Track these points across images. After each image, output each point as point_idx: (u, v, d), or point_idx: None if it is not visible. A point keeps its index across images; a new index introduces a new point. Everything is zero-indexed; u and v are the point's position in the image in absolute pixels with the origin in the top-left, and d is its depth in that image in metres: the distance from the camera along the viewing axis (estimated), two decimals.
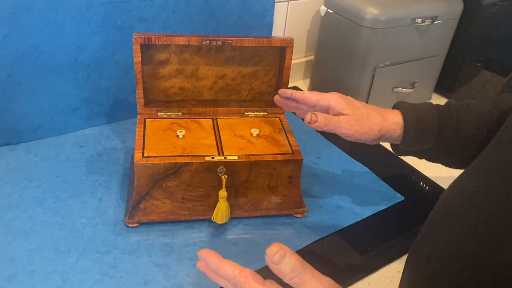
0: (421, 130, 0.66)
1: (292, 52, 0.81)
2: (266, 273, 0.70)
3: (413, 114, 0.67)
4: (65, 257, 0.69)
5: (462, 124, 0.65)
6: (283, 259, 0.39)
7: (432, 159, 0.71)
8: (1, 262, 0.67)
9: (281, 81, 0.84)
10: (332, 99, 0.68)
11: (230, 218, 0.75)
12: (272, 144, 0.77)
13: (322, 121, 0.64)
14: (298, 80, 1.37)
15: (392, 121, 0.68)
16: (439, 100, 1.30)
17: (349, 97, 0.70)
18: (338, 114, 0.67)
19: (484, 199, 0.43)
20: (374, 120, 0.67)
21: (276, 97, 0.76)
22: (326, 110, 0.69)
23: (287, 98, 0.74)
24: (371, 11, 1.07)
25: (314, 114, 0.64)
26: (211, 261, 0.44)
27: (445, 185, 0.89)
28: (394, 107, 0.72)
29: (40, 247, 0.70)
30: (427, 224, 0.51)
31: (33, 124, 0.92)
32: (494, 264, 0.38)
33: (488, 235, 0.40)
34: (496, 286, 0.38)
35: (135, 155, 0.71)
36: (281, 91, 0.75)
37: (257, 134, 0.79)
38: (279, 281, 0.41)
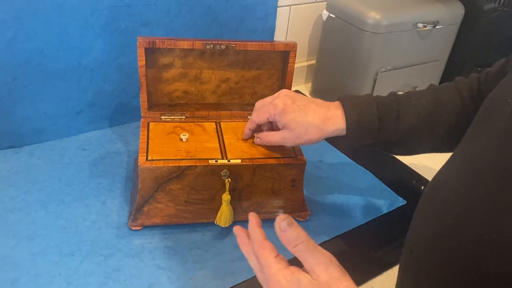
0: (363, 128, 0.68)
1: (295, 56, 0.81)
2: None
3: (354, 110, 0.68)
4: (69, 260, 0.69)
5: (402, 118, 0.67)
6: (290, 226, 0.43)
7: (376, 148, 0.73)
8: (5, 265, 0.67)
9: (284, 85, 0.85)
10: (275, 113, 0.70)
11: (234, 221, 0.76)
12: (275, 147, 0.77)
13: (265, 142, 0.75)
14: (300, 84, 1.37)
15: (333, 127, 0.69)
16: None
17: (293, 103, 0.70)
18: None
19: (454, 190, 0.47)
20: (312, 133, 0.69)
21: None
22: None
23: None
24: (373, 16, 1.07)
25: (259, 138, 0.76)
26: (251, 222, 0.50)
27: None
28: (338, 100, 0.72)
29: (44, 250, 0.70)
30: (413, 218, 0.55)
31: (36, 127, 0.92)
32: (465, 251, 0.43)
33: (457, 225, 0.44)
34: (466, 271, 0.42)
35: (139, 158, 0.71)
36: (244, 136, 0.79)
37: None
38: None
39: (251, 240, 0.48)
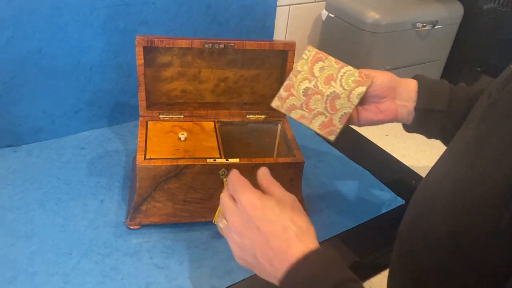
0: (434, 91, 0.68)
1: (294, 55, 0.81)
2: None
3: (426, 79, 0.70)
4: (67, 259, 0.69)
5: (470, 98, 0.68)
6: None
7: (443, 133, 0.72)
8: (2, 264, 0.67)
9: (282, 84, 0.84)
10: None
11: None
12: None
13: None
14: None
15: (404, 89, 0.69)
16: None
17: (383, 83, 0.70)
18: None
19: (434, 181, 0.50)
20: (386, 76, 0.70)
21: None
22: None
23: None
24: (372, 16, 1.07)
25: None
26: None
27: None
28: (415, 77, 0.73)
29: (42, 249, 0.70)
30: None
31: (35, 126, 0.92)
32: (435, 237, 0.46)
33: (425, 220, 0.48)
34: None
35: (137, 157, 0.71)
36: None
37: None
38: None
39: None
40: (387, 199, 0.88)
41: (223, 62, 0.83)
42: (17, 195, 0.80)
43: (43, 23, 0.83)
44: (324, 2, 1.23)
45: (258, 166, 0.74)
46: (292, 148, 0.78)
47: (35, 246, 0.70)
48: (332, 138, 0.70)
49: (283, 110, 0.71)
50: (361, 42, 1.10)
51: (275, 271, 0.46)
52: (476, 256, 0.40)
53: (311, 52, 0.70)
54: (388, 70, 1.13)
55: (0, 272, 0.66)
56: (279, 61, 0.85)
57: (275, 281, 0.47)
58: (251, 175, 0.74)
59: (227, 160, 0.72)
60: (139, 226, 0.75)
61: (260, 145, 0.88)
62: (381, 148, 1.03)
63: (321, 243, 0.77)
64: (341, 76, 0.69)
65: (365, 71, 0.70)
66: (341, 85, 0.69)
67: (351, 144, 1.05)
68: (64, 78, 0.90)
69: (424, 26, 1.13)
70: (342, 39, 1.16)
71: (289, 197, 0.51)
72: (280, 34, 1.26)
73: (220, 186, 0.73)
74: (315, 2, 1.27)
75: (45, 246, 0.71)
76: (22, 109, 0.89)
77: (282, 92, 0.71)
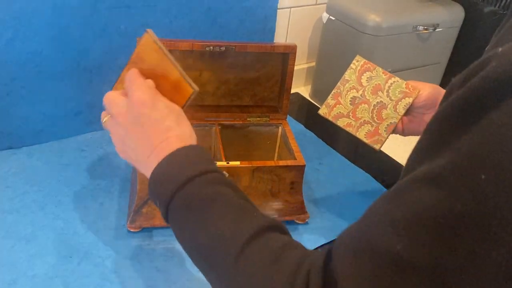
0: None
1: (295, 58, 0.81)
2: None
3: None
4: (66, 261, 0.69)
5: None
6: None
7: None
8: (2, 266, 0.67)
9: (283, 87, 0.85)
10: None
11: None
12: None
13: None
14: (300, 86, 1.37)
15: None
16: None
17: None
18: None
19: None
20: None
21: None
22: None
23: None
24: (373, 19, 1.07)
25: None
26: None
27: None
28: None
29: (41, 251, 0.70)
30: None
31: (35, 128, 0.92)
32: None
33: None
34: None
35: None
36: None
37: None
38: None
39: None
40: None
41: (224, 64, 0.83)
42: (17, 197, 0.80)
43: (44, 25, 0.83)
44: (325, 5, 1.23)
45: (259, 169, 0.74)
46: (293, 151, 0.78)
47: (35, 248, 0.70)
48: (377, 147, 0.72)
49: (330, 118, 0.74)
50: (362, 45, 1.10)
51: (151, 163, 0.48)
52: None
53: (359, 62, 0.73)
54: (389, 72, 1.13)
55: (0, 275, 0.65)
56: (280, 64, 0.85)
57: (149, 174, 0.49)
58: (251, 178, 0.74)
59: (228, 162, 0.72)
60: (140, 229, 0.75)
61: (261, 148, 0.88)
62: (382, 151, 1.03)
63: (322, 246, 0.77)
64: (389, 86, 0.71)
65: (412, 83, 0.72)
66: (388, 96, 0.71)
67: (352, 147, 1.04)
68: (64, 80, 0.90)
69: (425, 29, 1.13)
70: (343, 42, 1.16)
71: (177, 107, 0.52)
72: (281, 37, 1.26)
73: None
74: (315, 4, 1.27)
75: (45, 249, 0.70)
76: (22, 111, 0.89)
77: (329, 100, 0.73)
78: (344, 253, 0.37)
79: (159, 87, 0.53)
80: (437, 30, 1.15)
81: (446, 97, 0.37)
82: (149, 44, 0.53)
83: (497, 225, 0.29)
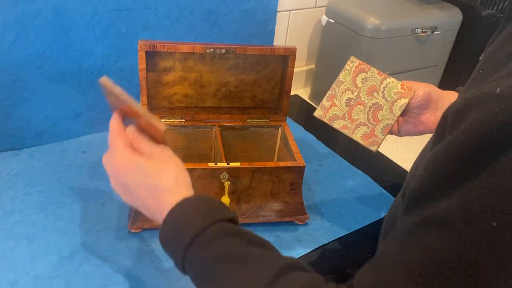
0: None
1: (294, 60, 0.82)
2: None
3: None
4: (68, 262, 0.69)
5: None
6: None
7: None
8: (4, 266, 0.67)
9: (283, 89, 0.85)
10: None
11: None
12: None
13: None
14: (299, 88, 1.38)
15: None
16: None
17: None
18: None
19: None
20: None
21: None
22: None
23: None
24: (372, 21, 1.08)
25: None
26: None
27: None
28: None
29: (43, 252, 0.70)
30: None
31: (36, 129, 0.92)
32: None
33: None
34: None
35: None
36: None
37: None
38: None
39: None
40: (386, 203, 0.88)
41: (224, 66, 0.84)
42: (19, 198, 0.80)
43: (46, 27, 0.83)
44: (324, 8, 1.24)
45: (259, 170, 0.74)
46: (292, 152, 0.78)
47: (37, 249, 0.71)
48: (374, 148, 0.71)
49: (325, 120, 0.72)
50: (361, 48, 1.11)
51: (158, 220, 0.49)
52: None
53: (353, 62, 0.72)
54: (388, 75, 1.14)
55: (2, 275, 0.66)
56: (280, 66, 0.86)
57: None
58: (252, 179, 0.75)
59: (228, 164, 0.73)
60: (141, 230, 0.75)
61: (260, 149, 0.89)
62: (381, 153, 1.04)
63: (321, 247, 0.77)
64: (384, 87, 0.70)
65: (407, 83, 0.71)
66: (383, 97, 0.70)
67: (351, 149, 1.05)
68: (66, 82, 0.91)
69: (423, 32, 1.14)
70: (342, 45, 1.17)
71: (156, 150, 0.51)
72: (280, 39, 1.27)
73: (221, 189, 0.74)
74: (315, 7, 1.28)
75: (47, 249, 0.71)
76: (24, 112, 0.89)
77: (324, 102, 0.72)
78: None
79: (140, 126, 0.53)
80: (435, 32, 1.16)
81: (442, 124, 0.37)
82: (110, 92, 0.52)
83: None
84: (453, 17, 1.19)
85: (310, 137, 1.06)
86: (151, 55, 0.79)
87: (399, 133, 0.74)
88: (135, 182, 0.49)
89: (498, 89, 0.32)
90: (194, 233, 0.43)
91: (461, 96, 0.39)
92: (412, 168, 0.54)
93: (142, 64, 0.77)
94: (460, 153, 0.33)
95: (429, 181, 0.36)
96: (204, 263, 0.43)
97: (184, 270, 0.46)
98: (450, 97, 0.71)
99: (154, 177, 0.49)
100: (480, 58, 0.50)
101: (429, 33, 1.15)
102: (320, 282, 0.40)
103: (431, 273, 0.33)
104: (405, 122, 0.73)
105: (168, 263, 0.70)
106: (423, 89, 0.70)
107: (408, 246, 0.36)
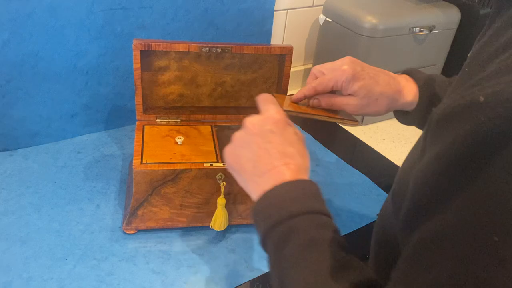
0: (432, 105, 0.66)
1: (291, 60, 0.81)
2: (265, 280, 0.69)
3: (427, 87, 0.67)
4: (62, 264, 0.68)
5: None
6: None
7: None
8: None
9: (280, 88, 0.85)
10: (343, 80, 0.64)
11: (229, 225, 0.75)
12: (334, 112, 0.72)
13: (325, 105, 0.67)
14: (297, 88, 1.37)
15: (404, 100, 0.67)
16: None
17: (363, 70, 0.65)
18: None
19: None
20: (382, 103, 0.65)
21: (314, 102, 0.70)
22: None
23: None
24: (370, 20, 1.07)
25: (317, 99, 0.67)
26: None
27: None
28: (404, 73, 0.70)
29: (37, 253, 0.70)
30: None
31: (31, 130, 0.92)
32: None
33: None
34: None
35: (134, 161, 0.71)
36: (294, 98, 0.71)
37: None
38: None
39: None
40: None
41: (220, 66, 0.83)
42: (13, 199, 0.79)
43: (40, 27, 0.83)
44: (322, 7, 1.23)
45: None
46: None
47: (30, 251, 0.70)
48: (355, 123, 0.68)
49: (293, 110, 0.68)
50: (358, 47, 1.10)
51: (264, 182, 0.48)
52: None
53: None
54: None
55: None
56: (276, 66, 0.85)
57: (254, 196, 0.49)
58: None
59: (224, 164, 0.72)
60: (136, 231, 0.75)
61: None
62: (378, 152, 1.03)
63: None
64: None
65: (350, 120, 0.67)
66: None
67: (348, 149, 1.04)
68: (61, 82, 0.90)
69: (421, 31, 1.13)
70: (339, 44, 1.16)
71: (303, 137, 0.54)
72: (277, 39, 1.26)
73: (217, 190, 0.73)
74: (312, 6, 1.27)
75: (41, 251, 0.70)
76: (18, 112, 0.89)
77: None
78: None
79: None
80: (433, 31, 1.15)
81: (427, 129, 0.36)
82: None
83: None
84: (451, 16, 1.19)
85: (307, 137, 1.06)
86: (146, 55, 0.78)
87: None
88: (275, 133, 0.50)
89: (482, 97, 0.31)
90: (305, 209, 0.44)
91: (446, 99, 0.38)
92: (402, 170, 0.52)
93: (137, 64, 0.76)
94: (448, 166, 0.32)
95: (421, 198, 0.35)
96: (296, 239, 0.43)
97: (265, 239, 0.46)
98: (409, 95, 0.67)
99: (294, 146, 0.51)
100: (468, 55, 0.49)
101: (427, 32, 1.14)
102: None
103: None
104: (360, 105, 0.67)
105: (163, 264, 0.70)
106: (377, 108, 0.66)
107: (415, 271, 0.34)
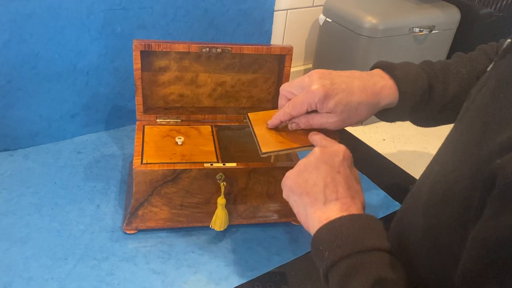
0: (415, 100, 0.65)
1: (291, 60, 0.81)
2: (265, 280, 0.69)
3: (406, 82, 0.64)
4: (62, 264, 0.68)
5: (447, 89, 0.65)
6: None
7: (414, 121, 0.71)
8: None
9: (279, 88, 0.85)
10: (316, 101, 0.61)
11: (229, 226, 0.75)
12: (317, 131, 0.72)
13: (304, 127, 0.66)
14: None
15: (385, 101, 0.64)
16: None
17: (333, 84, 0.61)
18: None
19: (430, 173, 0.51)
20: (362, 112, 0.63)
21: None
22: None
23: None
24: (370, 20, 1.08)
25: (296, 123, 0.66)
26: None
27: None
28: (377, 67, 0.68)
29: (37, 253, 0.70)
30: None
31: (31, 130, 0.92)
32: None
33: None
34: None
35: (134, 161, 0.71)
36: (270, 124, 0.70)
37: None
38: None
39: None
40: (384, 203, 0.87)
41: (220, 66, 0.83)
42: (13, 199, 0.79)
43: (40, 27, 0.83)
44: (322, 7, 1.23)
45: (255, 170, 0.74)
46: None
47: (31, 251, 0.70)
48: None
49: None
50: (358, 47, 1.11)
51: (327, 210, 0.50)
52: (449, 251, 0.42)
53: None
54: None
55: None
56: (276, 66, 0.85)
57: (314, 221, 0.50)
58: (248, 179, 0.74)
59: (224, 164, 0.72)
60: (136, 231, 0.75)
61: (257, 149, 0.88)
62: (378, 153, 1.03)
63: None
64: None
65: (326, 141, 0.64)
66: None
67: (348, 149, 1.04)
68: (61, 82, 0.90)
69: (421, 31, 1.13)
70: (339, 44, 1.16)
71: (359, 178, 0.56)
72: (277, 39, 1.26)
73: (217, 190, 0.73)
74: (312, 6, 1.27)
75: (41, 251, 0.70)
76: (18, 113, 0.89)
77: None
78: None
79: None
80: (433, 32, 1.15)
81: (486, 185, 0.35)
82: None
83: None
84: (451, 16, 1.19)
85: None
86: (146, 55, 0.78)
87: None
88: (344, 166, 0.53)
89: None
90: (368, 247, 0.45)
91: (503, 133, 0.36)
92: (438, 181, 0.50)
93: (137, 64, 0.76)
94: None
95: (489, 265, 0.34)
96: (357, 277, 0.43)
97: (327, 275, 0.47)
98: (388, 97, 0.65)
99: (358, 184, 0.55)
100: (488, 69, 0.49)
101: (427, 32, 1.15)
102: None
103: None
104: (341, 120, 0.64)
105: (163, 264, 0.70)
106: (358, 118, 0.65)
107: None
